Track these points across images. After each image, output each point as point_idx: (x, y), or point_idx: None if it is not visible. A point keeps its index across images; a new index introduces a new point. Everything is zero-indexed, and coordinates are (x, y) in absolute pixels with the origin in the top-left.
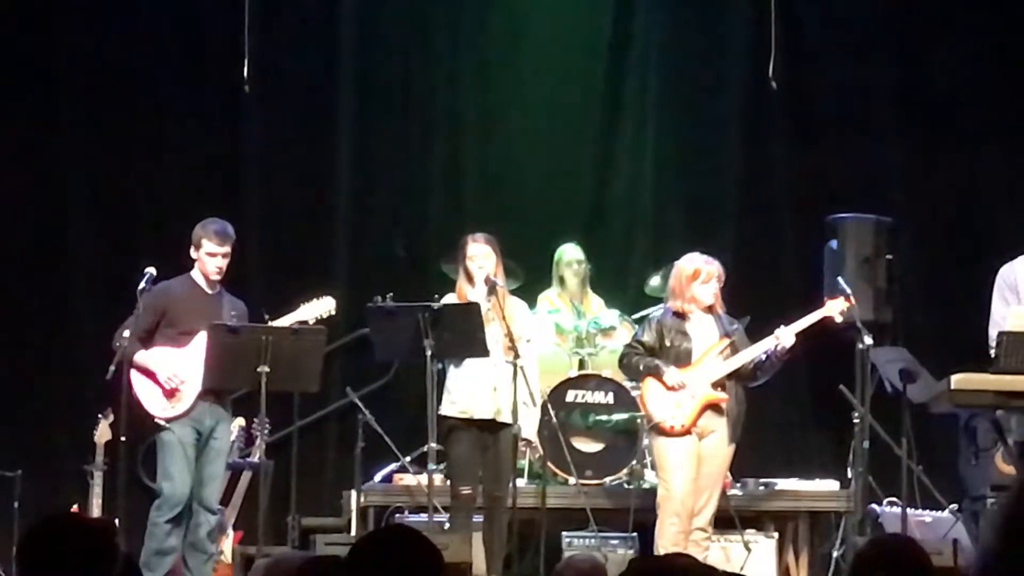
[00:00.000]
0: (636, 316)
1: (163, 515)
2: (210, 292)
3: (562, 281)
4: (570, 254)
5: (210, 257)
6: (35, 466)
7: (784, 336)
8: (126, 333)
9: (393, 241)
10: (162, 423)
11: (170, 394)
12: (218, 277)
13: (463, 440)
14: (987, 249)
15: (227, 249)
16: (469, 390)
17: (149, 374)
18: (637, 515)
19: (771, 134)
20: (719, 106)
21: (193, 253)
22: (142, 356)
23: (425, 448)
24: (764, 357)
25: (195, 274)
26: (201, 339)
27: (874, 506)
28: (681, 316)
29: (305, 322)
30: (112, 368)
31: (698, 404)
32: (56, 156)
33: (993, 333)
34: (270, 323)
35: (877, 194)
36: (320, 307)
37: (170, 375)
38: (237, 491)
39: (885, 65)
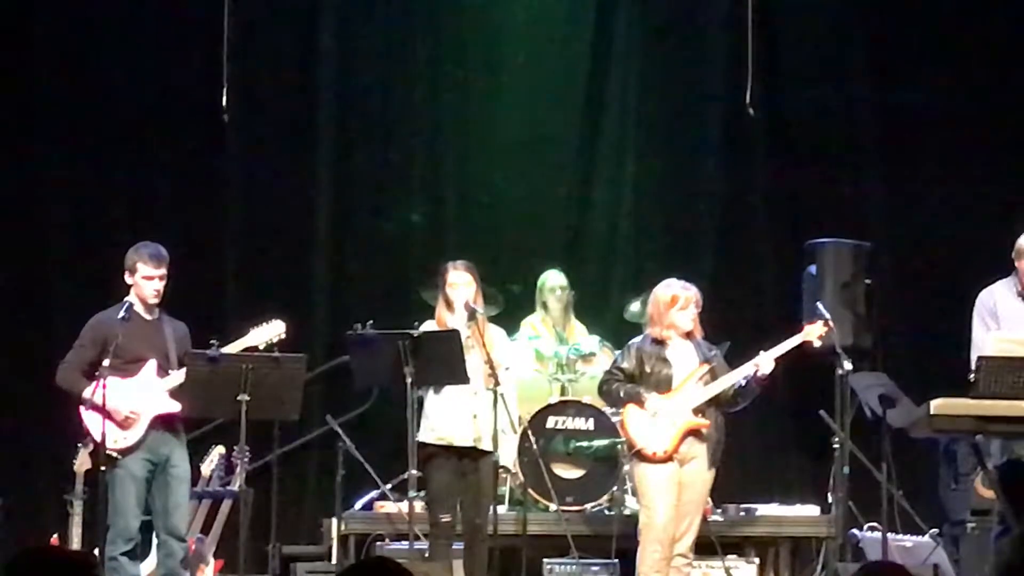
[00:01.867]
0: None
1: (117, 549)
2: (149, 317)
3: (545, 307)
4: (553, 280)
5: (147, 281)
6: (15, 496)
7: (763, 362)
8: (106, 362)
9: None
10: (114, 455)
11: (122, 425)
12: (156, 300)
13: (442, 467)
14: (966, 274)
15: (163, 271)
16: (448, 417)
17: (100, 408)
18: (618, 541)
19: (749, 160)
20: (698, 132)
21: (128, 279)
22: (92, 390)
23: (405, 475)
24: (743, 383)
25: (131, 300)
26: (150, 367)
27: (855, 531)
28: (660, 343)
29: (255, 347)
30: (86, 401)
31: (679, 430)
32: (35, 184)
33: (974, 358)
34: (219, 350)
35: (856, 219)
36: (270, 331)
37: (128, 413)
38: (217, 520)
39: (863, 90)
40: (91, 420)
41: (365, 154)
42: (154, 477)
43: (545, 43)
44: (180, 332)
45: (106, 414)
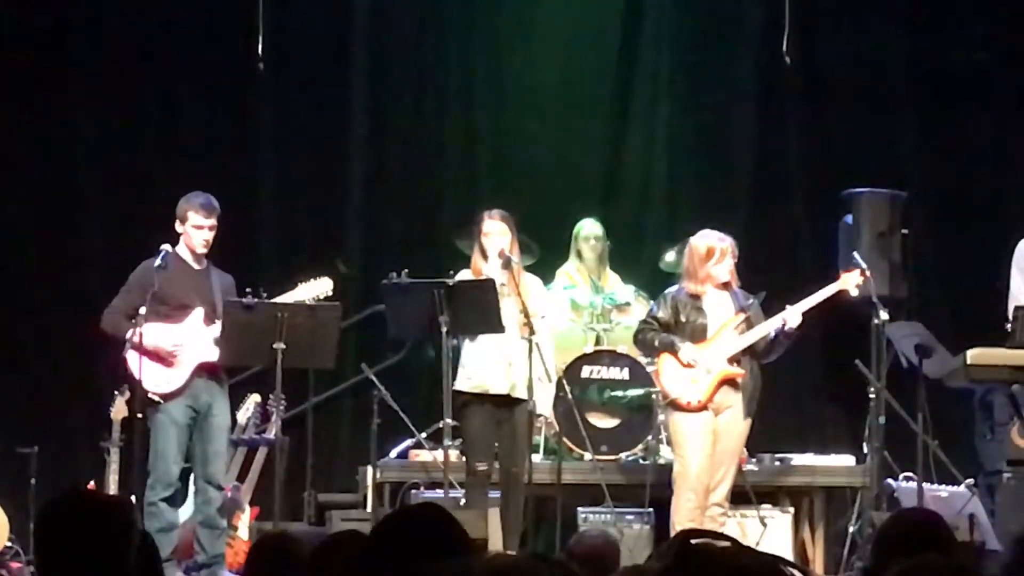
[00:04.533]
0: None
1: (157, 494)
2: (197, 267)
3: (580, 256)
4: (588, 229)
5: (196, 230)
6: (51, 443)
7: (791, 316)
8: (143, 311)
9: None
10: (156, 399)
11: (165, 362)
12: (204, 250)
13: (478, 415)
14: (1004, 223)
15: (213, 222)
16: (484, 365)
17: (145, 350)
18: (653, 491)
19: (785, 109)
20: (732, 81)
21: (178, 227)
22: (133, 333)
23: (440, 424)
24: (773, 335)
25: (180, 249)
26: (197, 315)
27: (890, 481)
28: (696, 294)
29: (302, 302)
30: (127, 345)
31: (714, 380)
32: (68, 132)
33: (1011, 308)
34: (267, 301)
35: (892, 168)
36: (317, 287)
37: (171, 347)
38: (253, 467)
39: (898, 38)
40: (135, 363)
41: (399, 103)
42: (195, 424)
43: None
44: (226, 283)
45: (149, 355)
